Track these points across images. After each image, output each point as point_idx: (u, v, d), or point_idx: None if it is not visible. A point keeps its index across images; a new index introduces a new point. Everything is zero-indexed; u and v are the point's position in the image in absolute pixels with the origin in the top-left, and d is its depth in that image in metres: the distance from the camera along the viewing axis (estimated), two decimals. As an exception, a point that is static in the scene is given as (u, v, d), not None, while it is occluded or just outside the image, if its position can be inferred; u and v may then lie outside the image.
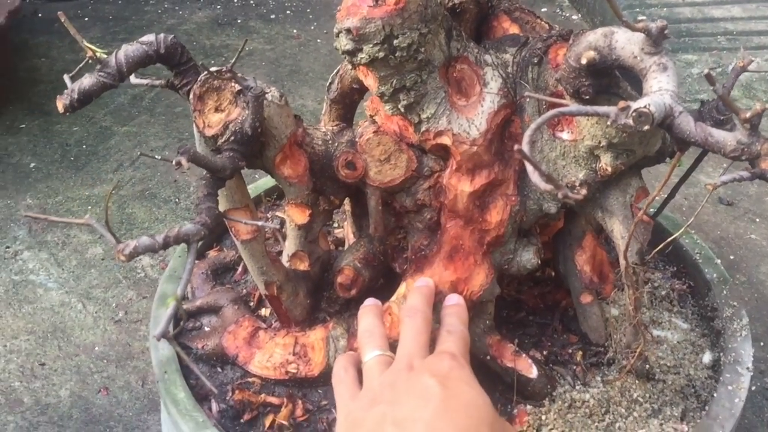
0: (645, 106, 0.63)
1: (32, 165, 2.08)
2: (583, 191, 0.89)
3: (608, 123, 0.66)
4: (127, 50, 0.86)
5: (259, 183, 1.40)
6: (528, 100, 0.90)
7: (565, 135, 0.89)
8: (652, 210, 1.10)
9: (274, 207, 1.40)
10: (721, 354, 1.05)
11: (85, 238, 1.80)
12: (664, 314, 1.15)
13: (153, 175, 2.04)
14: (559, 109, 0.66)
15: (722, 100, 0.64)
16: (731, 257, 1.61)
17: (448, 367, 0.71)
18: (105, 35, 2.82)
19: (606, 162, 0.86)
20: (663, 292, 1.20)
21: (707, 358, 1.08)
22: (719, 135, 0.65)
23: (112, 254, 1.76)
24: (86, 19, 2.97)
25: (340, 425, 0.76)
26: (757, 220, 1.73)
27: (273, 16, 3.04)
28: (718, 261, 1.19)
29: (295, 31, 2.91)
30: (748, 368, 1.01)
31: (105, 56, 0.84)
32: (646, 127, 0.64)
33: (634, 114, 0.63)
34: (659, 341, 1.08)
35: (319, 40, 2.83)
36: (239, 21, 2.99)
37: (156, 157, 0.76)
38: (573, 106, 0.65)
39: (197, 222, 0.77)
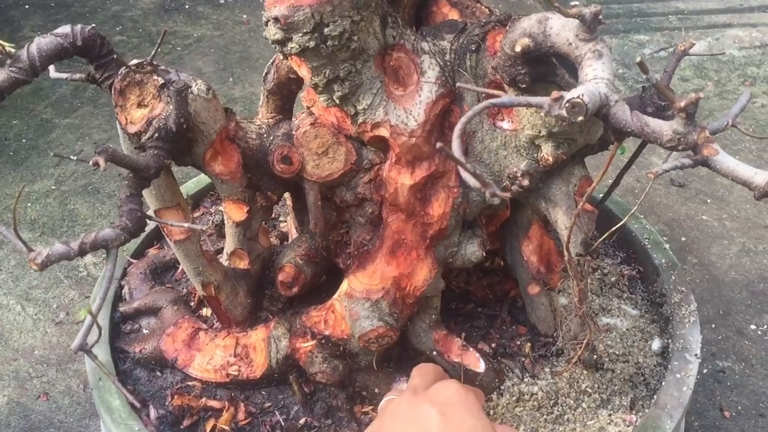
0: (578, 96, 0.61)
1: (-30, 160, 2.00)
2: (525, 182, 0.87)
3: (542, 114, 0.63)
4: (40, 43, 0.80)
5: (203, 177, 1.35)
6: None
7: (505, 125, 0.86)
8: (600, 195, 1.08)
9: (218, 201, 1.35)
10: (670, 341, 1.04)
11: (25, 236, 1.73)
12: (613, 301, 1.14)
13: (96, 170, 1.97)
14: (492, 100, 0.63)
15: (658, 89, 0.62)
16: (683, 239, 1.61)
17: (450, 394, 0.70)
18: (46, 23, 2.71)
19: (547, 152, 0.83)
20: (612, 279, 1.18)
21: (656, 345, 1.07)
22: (655, 125, 0.63)
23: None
24: (27, 6, 2.85)
25: None
26: (709, 201, 1.73)
27: (222, 1, 2.95)
28: (667, 246, 1.18)
29: (244, 16, 2.83)
30: (696, 355, 1.00)
31: (14, 51, 0.78)
32: (580, 118, 0.61)
33: (567, 105, 0.61)
34: (608, 329, 1.07)
35: (269, 25, 2.76)
36: (187, 6, 2.90)
37: (71, 157, 0.71)
38: (506, 97, 0.62)
39: (117, 226, 0.72)
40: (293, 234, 1.13)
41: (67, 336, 1.47)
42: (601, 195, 1.08)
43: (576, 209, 0.87)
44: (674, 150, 0.64)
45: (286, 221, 1.27)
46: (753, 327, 1.40)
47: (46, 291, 1.58)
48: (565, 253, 0.87)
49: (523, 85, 0.75)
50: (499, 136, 0.87)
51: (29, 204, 1.83)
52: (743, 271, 1.53)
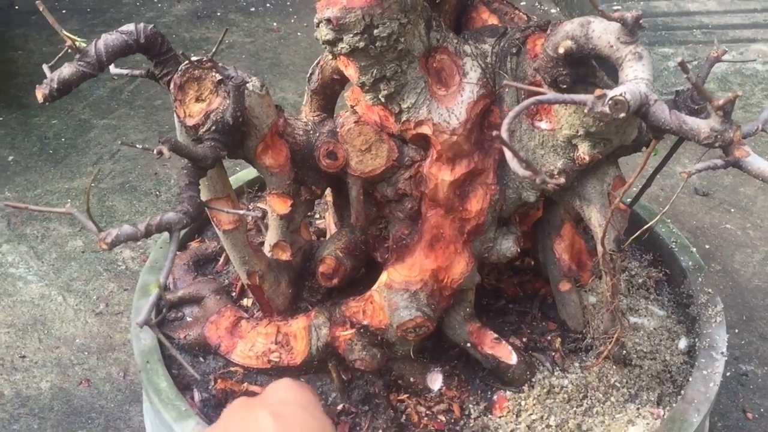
0: (621, 94, 0.65)
1: (10, 158, 2.06)
2: (561, 179, 0.91)
3: (585, 111, 0.67)
4: (107, 39, 0.86)
5: (240, 174, 1.40)
6: (507, 90, 0.91)
7: (543, 124, 0.90)
8: (628, 199, 1.12)
9: (255, 198, 1.40)
10: (696, 340, 1.07)
11: (65, 231, 1.79)
12: (640, 302, 1.17)
13: (133, 168, 2.03)
14: (538, 97, 0.67)
15: (696, 88, 0.66)
16: (706, 246, 1.64)
17: (283, 394, 0.67)
18: (83, 27, 2.79)
19: (583, 151, 0.87)
20: (640, 280, 1.22)
21: (683, 344, 1.10)
22: (693, 122, 0.67)
23: (93, 246, 1.75)
24: (64, 11, 2.94)
25: None
26: (732, 210, 1.76)
27: (253, 9, 3.02)
28: (694, 249, 1.21)
29: (275, 24, 2.90)
30: (722, 353, 1.03)
31: (84, 46, 0.84)
32: (622, 115, 0.65)
33: (610, 102, 0.65)
34: (636, 328, 1.10)
35: (299, 33, 2.82)
36: (218, 14, 2.98)
37: (137, 146, 0.76)
38: (551, 95, 0.66)
39: (179, 210, 0.77)
40: (332, 229, 1.17)
41: (107, 326, 1.53)
42: (629, 199, 1.12)
43: (611, 206, 0.91)
44: (710, 147, 0.68)
45: (322, 219, 1.32)
46: (776, 333, 1.43)
47: (86, 283, 1.63)
48: (599, 248, 0.91)
49: (564, 86, 0.80)
50: (537, 136, 0.91)
51: (69, 200, 1.90)
52: (766, 279, 1.55)
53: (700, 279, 1.15)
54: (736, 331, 1.43)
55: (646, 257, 1.27)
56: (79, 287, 1.63)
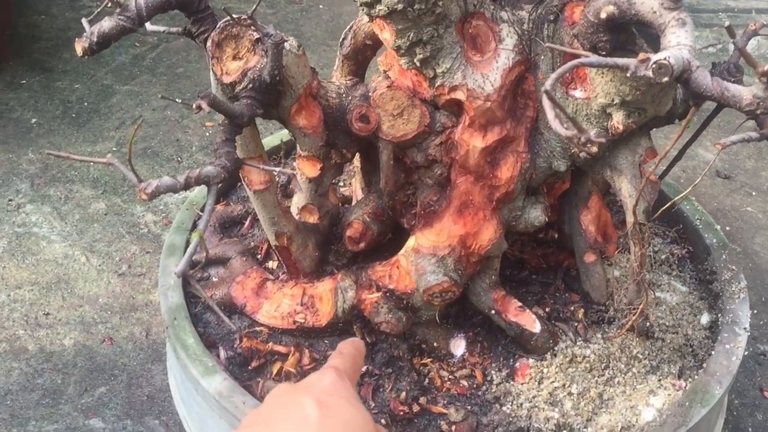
0: (665, 59, 0.65)
1: (33, 121, 2.07)
2: (594, 148, 0.91)
3: (628, 75, 0.67)
4: (148, -6, 0.86)
5: (264, 141, 1.41)
6: (542, 57, 0.91)
7: (578, 93, 0.90)
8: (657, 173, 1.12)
9: (279, 165, 1.41)
10: (719, 315, 1.08)
11: (88, 193, 1.80)
12: (663, 277, 1.18)
13: (155, 134, 2.04)
14: (580, 59, 0.67)
15: (741, 53, 0.66)
16: (727, 228, 1.63)
17: (329, 384, 0.67)
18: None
19: (618, 120, 0.87)
20: (663, 256, 1.22)
21: (705, 319, 1.11)
22: (735, 89, 0.67)
23: (116, 209, 1.77)
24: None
25: None
26: (753, 193, 1.75)
27: (275, -20, 3.02)
28: (718, 227, 1.21)
29: (297, -5, 2.90)
30: (745, 329, 1.03)
31: (124, 0, 0.84)
32: (665, 79, 0.66)
33: (654, 66, 0.65)
34: (658, 302, 1.11)
35: (321, 6, 2.81)
36: (241, -16, 2.98)
37: (177, 100, 0.77)
38: (593, 58, 0.66)
39: (217, 165, 0.78)
40: (358, 195, 1.18)
41: (129, 287, 1.54)
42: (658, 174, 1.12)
43: (643, 177, 0.91)
44: (752, 115, 0.68)
45: (346, 186, 1.32)
46: (795, 315, 1.43)
47: (109, 244, 1.65)
48: (629, 218, 0.92)
49: (603, 53, 0.80)
50: (570, 104, 0.91)
51: (91, 164, 1.91)
52: (787, 262, 1.56)
53: (724, 256, 1.15)
54: (755, 311, 1.43)
55: (669, 234, 1.27)
56: (101, 248, 1.64)
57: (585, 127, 0.91)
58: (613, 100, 0.85)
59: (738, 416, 1.24)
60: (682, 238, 1.26)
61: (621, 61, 0.67)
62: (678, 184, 1.78)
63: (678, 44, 0.69)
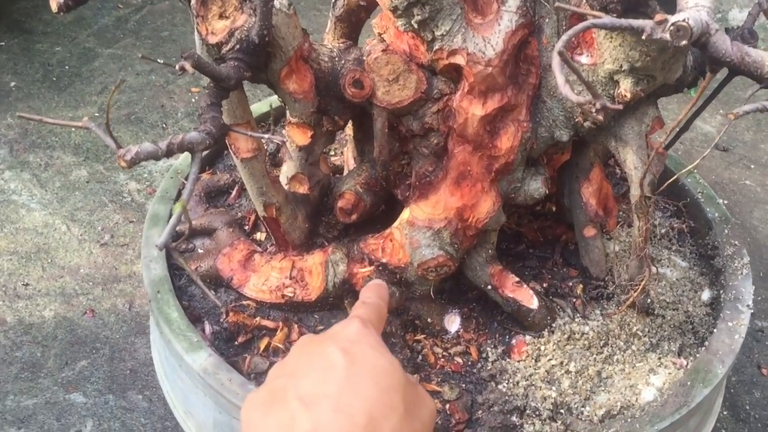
0: (684, 20, 0.60)
1: (12, 84, 2.00)
2: (600, 117, 0.87)
3: (643, 38, 0.63)
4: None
5: (252, 107, 1.36)
6: (547, 20, 0.86)
7: (584, 59, 0.85)
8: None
9: (268, 132, 1.36)
10: (721, 291, 1.05)
11: (69, 160, 1.74)
12: (663, 252, 1.14)
13: (139, 100, 1.98)
14: (592, 21, 0.63)
15: (765, 14, 0.61)
16: (725, 202, 1.60)
17: (354, 332, 0.66)
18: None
19: (625, 88, 0.83)
20: (662, 230, 1.19)
21: (706, 295, 1.08)
22: (757, 55, 0.63)
23: (98, 176, 1.71)
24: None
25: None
26: (752, 166, 1.72)
27: (263, -58, 2.93)
28: (720, 201, 1.18)
29: (285, -42, 2.81)
30: (748, 306, 1.01)
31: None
32: (684, 43, 0.61)
33: (671, 28, 0.61)
34: (659, 278, 1.08)
35: (310, -31, 2.74)
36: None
37: (159, 61, 0.72)
38: (606, 19, 0.62)
39: (202, 130, 0.73)
40: (349, 165, 1.13)
41: (111, 257, 1.49)
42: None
43: (652, 149, 0.87)
44: (772, 83, 0.64)
45: (337, 155, 1.28)
46: (793, 290, 1.41)
47: (91, 213, 1.60)
48: (633, 191, 0.88)
49: (614, 15, 0.75)
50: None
51: (73, 129, 1.85)
52: (785, 237, 1.53)
53: (726, 231, 1.12)
54: (753, 287, 1.40)
55: (668, 208, 1.24)
56: (83, 217, 1.59)
57: (590, 95, 0.87)
58: (621, 67, 0.81)
59: (735, 394, 1.22)
60: (683, 212, 1.23)
61: (636, 22, 0.62)
62: (676, 155, 1.75)
63: (696, 5, 0.64)
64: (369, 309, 0.75)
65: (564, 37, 0.57)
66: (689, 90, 0.91)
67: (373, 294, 0.81)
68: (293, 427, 0.55)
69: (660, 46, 0.76)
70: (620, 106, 0.59)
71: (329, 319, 1.02)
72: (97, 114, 1.93)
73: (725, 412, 1.21)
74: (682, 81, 0.88)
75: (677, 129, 0.83)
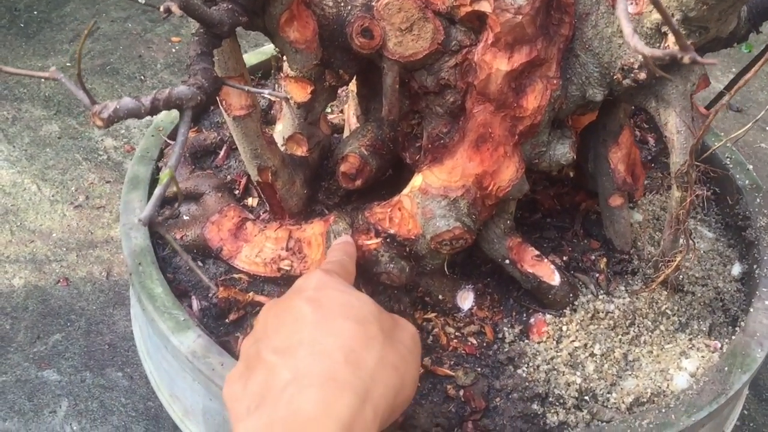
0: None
1: (-24, 30, 1.86)
2: (642, 75, 0.77)
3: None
4: None
5: (246, 57, 1.24)
6: (586, -38, 0.76)
7: (632, 7, 0.75)
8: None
9: (260, 87, 1.25)
10: (755, 266, 0.97)
11: (39, 114, 1.61)
12: (689, 222, 1.06)
13: (115, 49, 1.84)
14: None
15: None
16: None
17: (316, 281, 0.66)
18: None
19: (674, 41, 0.73)
20: (693, 198, 1.10)
21: (736, 270, 1.00)
22: None
23: (71, 131, 1.59)
24: None
25: None
26: (767, 128, 1.64)
27: None
28: (750, 167, 1.09)
29: None
30: (786, 283, 0.93)
31: None
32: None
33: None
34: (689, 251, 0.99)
35: None
36: None
37: (140, 0, 0.61)
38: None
39: (192, 84, 0.62)
40: (351, 125, 1.03)
41: (87, 220, 1.38)
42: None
43: (696, 111, 0.78)
44: None
45: (335, 113, 1.17)
46: (813, 261, 1.33)
47: (64, 172, 1.48)
48: (677, 157, 0.79)
49: (675, -46, 0.65)
50: (616, 21, 0.76)
51: (43, 80, 1.71)
52: (802, 204, 1.45)
53: (758, 200, 1.04)
54: None
55: (707, 172, 1.15)
56: (55, 176, 1.47)
57: (632, 49, 0.77)
58: (673, 16, 0.71)
59: (757, 372, 1.15)
60: (708, 179, 1.14)
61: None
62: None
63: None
64: (332, 263, 0.75)
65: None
66: (740, 45, 0.81)
67: (339, 252, 0.80)
68: (274, 380, 0.55)
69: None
70: (714, 61, 0.50)
71: (330, 294, 0.93)
72: (68, 64, 1.79)
73: (748, 392, 1.14)
74: (735, 34, 0.78)
75: (735, 88, 0.74)
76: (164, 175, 0.51)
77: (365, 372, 0.55)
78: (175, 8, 0.62)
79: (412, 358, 0.62)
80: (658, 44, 0.75)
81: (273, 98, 0.99)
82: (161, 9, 0.62)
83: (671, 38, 0.73)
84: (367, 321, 0.60)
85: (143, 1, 0.63)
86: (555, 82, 0.81)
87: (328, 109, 1.19)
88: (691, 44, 0.73)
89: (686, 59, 0.44)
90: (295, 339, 0.58)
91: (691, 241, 0.85)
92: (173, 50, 1.87)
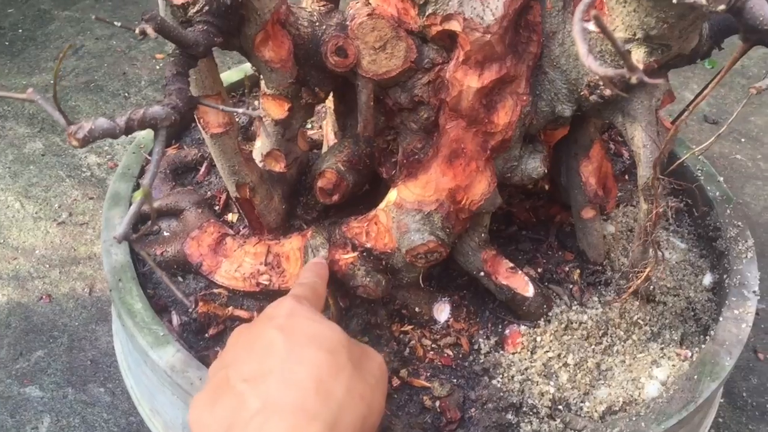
0: (724, -18, 0.53)
1: (-40, 49, 1.86)
2: (607, 91, 0.79)
3: (674, 1, 0.55)
4: None
5: (222, 76, 1.25)
6: (551, -18, 0.78)
7: (591, 26, 0.77)
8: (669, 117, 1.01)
9: (239, 104, 1.26)
10: (725, 276, 0.99)
11: (23, 131, 1.62)
12: (661, 233, 1.08)
13: (99, 66, 1.85)
14: (618, -19, 0.55)
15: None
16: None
17: (287, 308, 0.65)
18: None
19: (638, 58, 0.75)
20: (659, 210, 1.12)
21: (708, 280, 1.02)
22: (803, 23, 0.55)
23: (54, 149, 1.60)
24: None
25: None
26: (743, 140, 1.66)
27: None
28: (721, 179, 1.12)
29: None
30: (754, 292, 0.95)
31: None
32: (722, 7, 0.54)
33: (709, -10, 0.53)
34: (659, 262, 1.01)
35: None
36: None
37: (116, 23, 0.62)
38: (633, -21, 0.54)
39: (166, 104, 0.64)
40: (329, 140, 1.04)
41: (70, 237, 1.39)
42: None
43: (661, 125, 0.80)
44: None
45: (314, 129, 1.19)
46: (787, 270, 1.36)
47: (47, 189, 1.49)
48: (644, 171, 0.81)
49: (633, -24, 0.67)
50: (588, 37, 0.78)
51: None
52: (777, 214, 1.48)
53: (728, 211, 1.06)
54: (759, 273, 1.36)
55: (672, 185, 1.17)
56: (38, 193, 1.48)
57: (603, 65, 0.79)
58: (635, 35, 0.73)
59: (731, 380, 1.17)
60: (679, 191, 1.16)
61: (668, -17, 0.55)
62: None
63: (733, -35, 0.57)
64: (303, 287, 0.74)
65: (585, 0, 0.49)
66: (703, 61, 0.84)
67: (311, 273, 0.80)
68: (242, 409, 0.54)
69: (680, 11, 0.68)
70: (660, 80, 0.51)
71: (308, 308, 0.94)
72: (53, 82, 1.80)
73: (722, 400, 1.16)
74: (697, 51, 0.80)
75: (694, 104, 0.76)
76: (137, 194, 0.53)
77: (334, 402, 0.56)
78: (150, 31, 0.63)
79: (379, 387, 0.63)
80: (621, 61, 0.77)
81: (247, 116, 1.00)
82: (137, 31, 0.63)
83: (636, 55, 0.75)
84: (336, 351, 0.60)
85: (119, 24, 0.64)
86: (525, 98, 0.83)
87: (308, 125, 1.21)
88: (655, 61, 0.76)
89: (633, 79, 0.46)
90: (265, 367, 0.58)
91: (660, 252, 0.87)
92: (157, 67, 1.89)
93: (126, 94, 1.79)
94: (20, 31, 1.96)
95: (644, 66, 0.76)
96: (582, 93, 0.82)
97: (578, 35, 0.51)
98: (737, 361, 1.15)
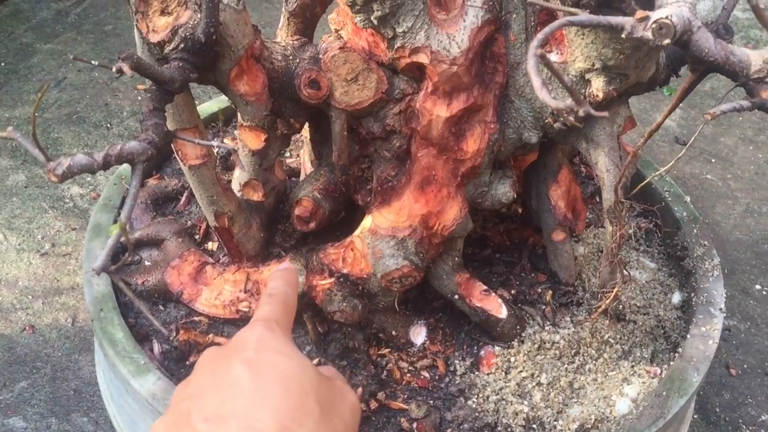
0: (666, 17, 0.56)
1: (-57, 83, 1.88)
2: (571, 119, 0.82)
3: (623, 36, 0.58)
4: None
5: (200, 108, 1.28)
6: (514, 15, 0.81)
7: (553, 56, 0.81)
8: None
9: (218, 136, 1.29)
10: (693, 294, 1.02)
11: (5, 164, 1.64)
12: (631, 253, 1.11)
13: (81, 98, 1.87)
14: (569, 18, 0.58)
15: (754, 10, 0.57)
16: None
17: (257, 339, 0.62)
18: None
19: (597, 87, 0.79)
20: (629, 231, 1.15)
21: (677, 298, 1.05)
22: (742, 54, 0.59)
23: (37, 181, 1.61)
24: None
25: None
26: (713, 160, 1.71)
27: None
28: (688, 199, 1.15)
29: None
30: (720, 309, 0.98)
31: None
32: (667, 42, 0.57)
33: (654, 26, 0.56)
34: (629, 282, 1.04)
35: (260, -39, 2.64)
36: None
37: (93, 62, 0.65)
38: (584, 16, 0.57)
39: (143, 139, 0.66)
40: (307, 169, 1.07)
41: (53, 268, 1.40)
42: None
43: (622, 150, 0.83)
44: (760, 82, 0.60)
45: (292, 157, 1.22)
46: (758, 287, 1.39)
47: (30, 221, 1.50)
48: (606, 195, 0.84)
49: (587, 10, 0.70)
50: (544, 70, 0.82)
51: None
52: (747, 232, 1.52)
53: (695, 230, 1.09)
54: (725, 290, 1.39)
55: (635, 207, 1.21)
56: (21, 225, 1.49)
57: (559, 95, 0.82)
58: (593, 65, 0.76)
59: (705, 396, 1.20)
60: (649, 211, 1.20)
61: (615, 19, 0.58)
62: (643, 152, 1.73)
63: (677, 1, 0.60)
64: (274, 304, 0.69)
65: (540, 36, 0.52)
66: (662, 88, 0.87)
67: (280, 282, 0.75)
68: None
69: (634, 43, 0.72)
70: (605, 113, 0.55)
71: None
72: (32, 118, 1.82)
73: (695, 416, 1.18)
74: (655, 79, 0.84)
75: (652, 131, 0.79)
76: (113, 228, 0.55)
77: None
78: (126, 69, 0.66)
79: None
80: (583, 90, 0.80)
81: (222, 148, 1.03)
82: (114, 70, 0.66)
83: (595, 84, 0.79)
84: (304, 393, 0.57)
85: (96, 63, 0.67)
86: (492, 126, 0.87)
87: (287, 153, 1.24)
88: (614, 90, 0.79)
89: (581, 112, 0.49)
90: (227, 408, 0.55)
91: (626, 273, 0.90)
92: (139, 98, 1.91)
93: (108, 125, 1.81)
94: (2, 64, 1.98)
95: (604, 95, 0.79)
96: (546, 120, 0.85)
97: (532, 69, 0.54)
98: (710, 377, 1.18)
